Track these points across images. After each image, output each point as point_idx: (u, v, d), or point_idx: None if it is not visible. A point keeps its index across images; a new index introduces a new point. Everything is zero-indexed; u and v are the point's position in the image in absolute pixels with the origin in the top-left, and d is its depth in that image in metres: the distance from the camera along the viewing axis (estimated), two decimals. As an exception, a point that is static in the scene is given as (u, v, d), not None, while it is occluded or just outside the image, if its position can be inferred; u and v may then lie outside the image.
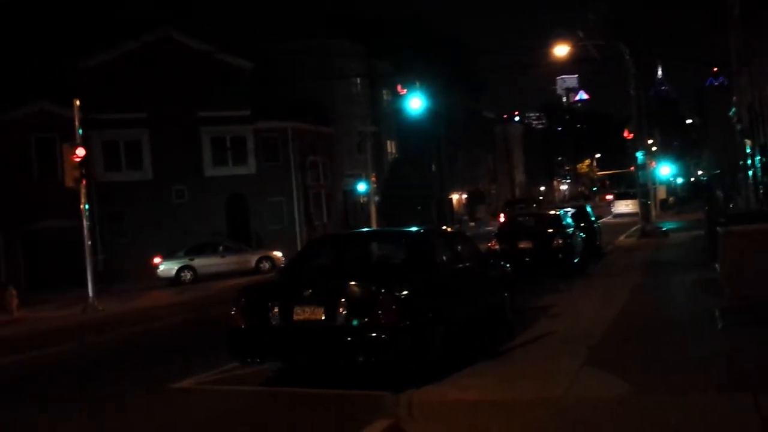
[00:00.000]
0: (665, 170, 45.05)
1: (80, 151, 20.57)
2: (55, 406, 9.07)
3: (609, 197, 49.61)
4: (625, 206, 51.14)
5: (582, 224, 21.65)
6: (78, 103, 21.58)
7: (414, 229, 12.21)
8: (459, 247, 10.69)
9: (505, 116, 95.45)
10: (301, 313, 8.27)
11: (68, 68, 34.12)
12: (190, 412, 8.33)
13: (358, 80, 48.24)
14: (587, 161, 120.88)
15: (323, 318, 8.16)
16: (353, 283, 8.36)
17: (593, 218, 24.61)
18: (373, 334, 7.94)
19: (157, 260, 29.01)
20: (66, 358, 13.22)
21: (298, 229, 39.85)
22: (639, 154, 30.48)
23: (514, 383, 7.88)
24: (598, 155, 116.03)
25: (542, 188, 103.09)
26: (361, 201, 46.43)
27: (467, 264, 10.46)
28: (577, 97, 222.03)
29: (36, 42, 33.88)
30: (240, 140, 38.25)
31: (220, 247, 30.14)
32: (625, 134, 35.36)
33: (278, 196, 39.59)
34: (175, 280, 28.31)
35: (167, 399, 8.86)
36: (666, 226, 31.79)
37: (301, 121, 40.93)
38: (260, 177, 38.43)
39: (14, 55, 32.40)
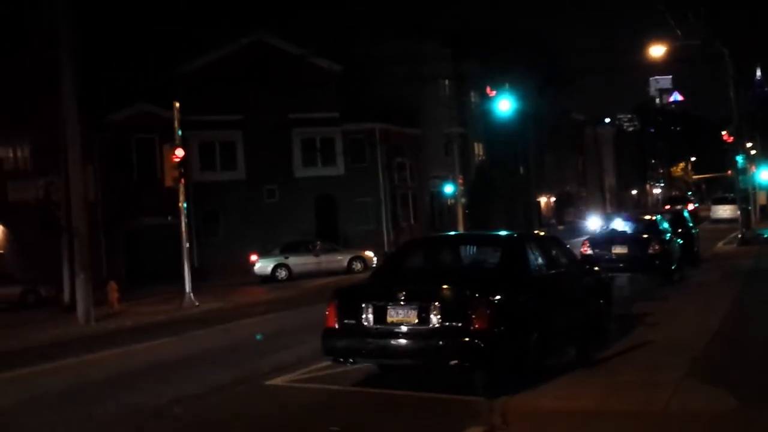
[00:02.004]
0: (766, 175, 43.12)
1: (179, 152, 21.25)
2: (147, 397, 9.30)
3: (690, 207, 47.06)
4: (723, 211, 49.22)
5: (679, 230, 20.95)
6: (177, 105, 22.31)
7: (507, 232, 12.06)
8: (553, 252, 10.50)
9: (595, 118, 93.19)
10: (394, 315, 8.31)
11: (168, 72, 35.41)
12: (282, 409, 8.48)
13: (446, 82, 48.08)
14: (682, 164, 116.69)
15: (416, 321, 8.17)
16: (447, 286, 8.35)
17: (691, 224, 23.78)
18: (466, 339, 7.89)
19: (253, 258, 29.58)
20: (164, 352, 13.66)
21: (385, 230, 40.10)
22: (739, 158, 29.39)
23: (612, 394, 7.70)
24: (693, 158, 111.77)
25: (634, 192, 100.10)
26: (448, 203, 46.30)
27: (562, 269, 10.27)
28: (671, 99, 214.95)
29: (137, 46, 35.27)
30: (329, 141, 38.83)
31: (313, 246, 30.45)
32: (725, 137, 34.03)
33: (366, 197, 39.94)
34: (269, 278, 28.81)
35: (261, 395, 9.05)
36: (767, 234, 30.46)
37: (389, 123, 41.16)
38: (348, 178, 38.89)
39: (117, 59, 33.83)
